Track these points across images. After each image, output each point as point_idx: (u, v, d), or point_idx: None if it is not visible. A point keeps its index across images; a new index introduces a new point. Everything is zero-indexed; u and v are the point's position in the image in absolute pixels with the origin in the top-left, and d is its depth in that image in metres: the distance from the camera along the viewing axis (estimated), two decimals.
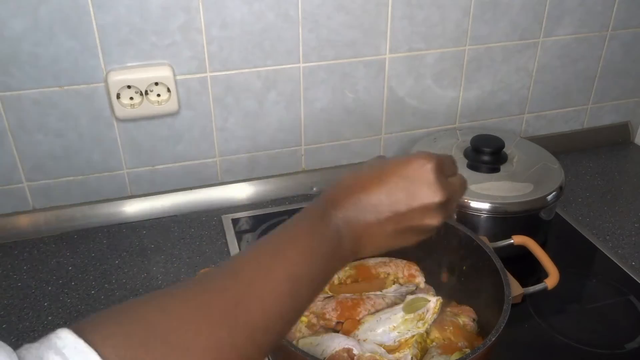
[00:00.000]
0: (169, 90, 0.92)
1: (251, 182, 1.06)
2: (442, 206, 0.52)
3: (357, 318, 0.72)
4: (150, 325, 0.39)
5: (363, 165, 0.55)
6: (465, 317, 0.73)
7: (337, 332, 0.71)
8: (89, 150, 0.94)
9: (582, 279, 0.89)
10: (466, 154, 0.96)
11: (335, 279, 0.78)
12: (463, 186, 0.56)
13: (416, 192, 0.51)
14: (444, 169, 0.52)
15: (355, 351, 0.65)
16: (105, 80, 0.89)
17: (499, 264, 0.70)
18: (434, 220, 0.52)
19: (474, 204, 0.86)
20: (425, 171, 0.51)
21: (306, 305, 0.48)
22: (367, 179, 0.52)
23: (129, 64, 0.89)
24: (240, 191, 1.06)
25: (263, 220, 1.00)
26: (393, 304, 0.74)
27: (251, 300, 0.43)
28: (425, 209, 0.51)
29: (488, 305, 0.70)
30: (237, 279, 0.44)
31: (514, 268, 0.72)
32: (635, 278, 0.87)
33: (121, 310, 0.39)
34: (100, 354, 0.34)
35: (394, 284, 0.78)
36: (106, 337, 0.36)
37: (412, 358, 0.66)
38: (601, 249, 0.93)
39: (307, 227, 0.50)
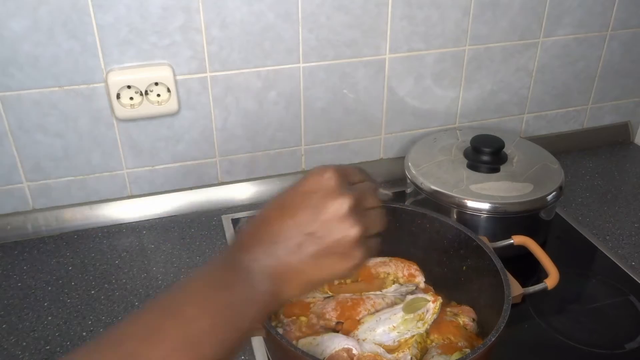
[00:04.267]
0: (169, 90, 0.92)
1: (251, 182, 1.06)
2: (355, 213, 0.47)
3: (357, 318, 0.72)
4: None
5: (266, 201, 0.50)
6: (465, 317, 0.72)
7: (337, 332, 0.71)
8: (89, 150, 0.95)
9: (582, 279, 0.89)
10: (466, 154, 0.96)
11: None
12: (373, 191, 0.51)
13: (319, 204, 0.46)
14: (346, 175, 0.49)
15: (355, 351, 0.65)
16: (105, 81, 0.89)
17: (499, 264, 0.70)
18: (351, 231, 0.46)
19: (474, 204, 0.86)
20: (324, 180, 0.47)
21: None
22: (269, 211, 0.48)
23: (129, 64, 0.89)
24: (240, 191, 1.06)
25: None
26: (393, 304, 0.74)
27: None
28: (337, 220, 0.46)
29: (488, 305, 0.70)
30: (117, 352, 0.38)
31: (514, 268, 0.71)
32: (635, 278, 0.87)
33: None
34: None
35: (393, 283, 0.78)
36: None
37: (412, 358, 0.66)
38: (601, 249, 0.93)
39: (206, 279, 0.45)
